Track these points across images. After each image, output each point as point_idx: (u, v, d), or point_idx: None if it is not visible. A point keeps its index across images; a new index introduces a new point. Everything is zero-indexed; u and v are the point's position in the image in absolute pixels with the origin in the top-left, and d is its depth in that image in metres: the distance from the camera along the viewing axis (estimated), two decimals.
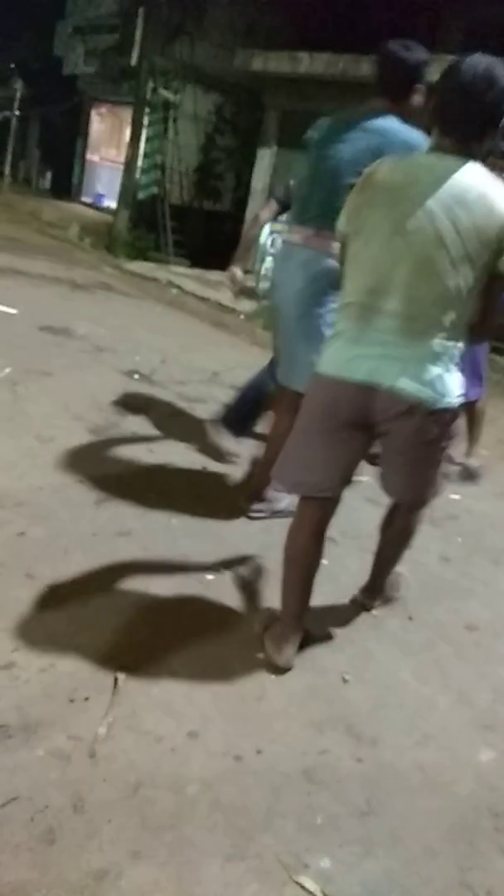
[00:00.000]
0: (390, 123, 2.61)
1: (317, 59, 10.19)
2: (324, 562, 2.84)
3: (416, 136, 2.55)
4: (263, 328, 7.33)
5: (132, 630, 2.21)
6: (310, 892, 1.49)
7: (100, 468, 3.29)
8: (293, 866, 1.55)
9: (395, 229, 1.87)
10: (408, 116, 2.66)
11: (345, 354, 1.97)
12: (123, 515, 2.90)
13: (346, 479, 2.13)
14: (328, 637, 2.39)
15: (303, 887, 1.50)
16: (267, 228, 9.05)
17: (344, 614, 2.53)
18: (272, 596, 2.54)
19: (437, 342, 1.90)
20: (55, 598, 2.30)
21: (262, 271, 9.10)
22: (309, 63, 10.31)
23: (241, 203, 12.44)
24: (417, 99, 2.71)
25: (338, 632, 2.43)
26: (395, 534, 2.48)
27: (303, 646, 2.23)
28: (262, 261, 9.13)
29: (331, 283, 2.55)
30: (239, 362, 5.74)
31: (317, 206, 2.69)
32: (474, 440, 4.10)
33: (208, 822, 1.61)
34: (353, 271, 1.99)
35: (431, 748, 1.99)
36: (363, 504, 3.50)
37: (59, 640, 2.10)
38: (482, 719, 2.15)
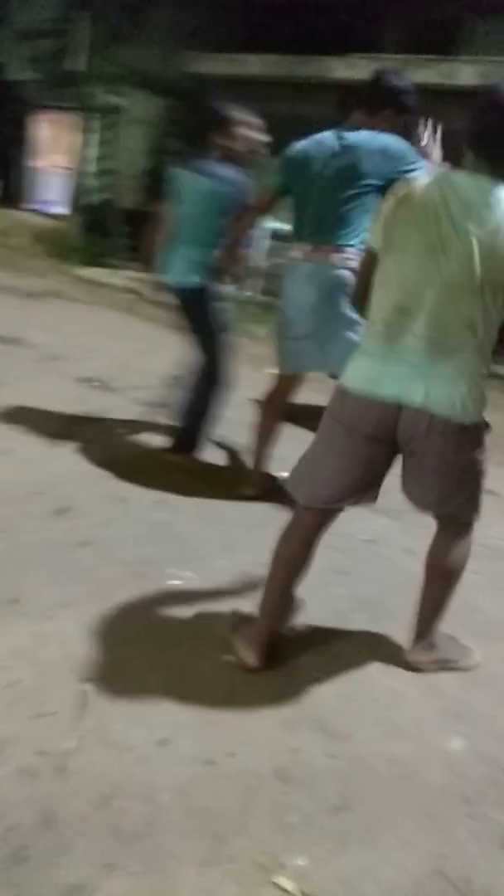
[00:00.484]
0: (363, 136, 2.88)
1: (261, 61, 10.22)
2: None
3: (389, 139, 2.87)
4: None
5: (98, 641, 2.18)
6: (287, 892, 1.49)
7: (58, 478, 3.25)
8: (270, 867, 1.55)
9: (429, 249, 1.86)
10: (379, 129, 2.92)
11: (372, 372, 1.98)
12: (84, 525, 2.86)
13: (359, 494, 2.14)
14: (297, 636, 2.39)
15: (280, 887, 1.50)
16: None
17: (311, 611, 2.53)
18: (239, 600, 2.54)
19: (465, 360, 1.91)
20: (17, 613, 2.26)
21: None
22: (253, 65, 10.34)
23: None
24: (393, 120, 2.96)
25: (305, 629, 2.43)
26: (437, 566, 2.30)
27: (274, 647, 2.23)
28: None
29: (338, 288, 2.92)
30: None
31: (311, 223, 2.99)
32: None
33: (182, 828, 1.60)
34: (381, 288, 1.99)
35: (402, 740, 2.01)
36: None
37: (23, 655, 2.06)
38: (451, 709, 2.18)
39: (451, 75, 8.28)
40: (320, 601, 2.62)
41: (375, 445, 2.02)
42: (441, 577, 2.28)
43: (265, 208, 3.33)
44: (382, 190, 2.69)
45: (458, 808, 1.81)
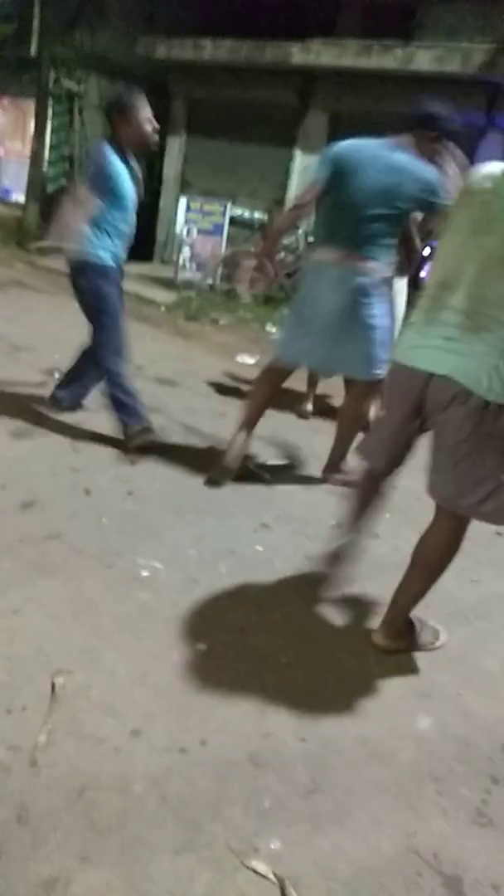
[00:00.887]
0: (412, 163, 3.02)
1: (220, 46, 10.12)
2: (258, 548, 2.87)
3: (429, 172, 2.98)
4: (186, 318, 7.30)
5: (67, 634, 2.17)
6: (262, 876, 1.51)
7: (24, 471, 3.21)
8: (244, 852, 1.56)
9: (472, 230, 1.99)
10: (423, 155, 3.05)
11: (410, 342, 2.12)
12: (52, 518, 2.84)
13: (393, 462, 2.34)
14: (268, 622, 2.40)
15: (255, 871, 1.52)
16: (182, 218, 8.99)
17: (281, 597, 2.55)
18: (209, 587, 2.55)
19: (498, 339, 1.93)
20: None
21: (181, 262, 9.04)
22: (212, 50, 10.23)
23: (154, 193, 12.28)
24: (435, 146, 3.07)
25: (275, 615, 2.45)
26: (425, 550, 2.27)
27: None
28: (180, 251, 9.07)
29: (364, 295, 3.15)
30: (162, 354, 5.70)
31: (345, 230, 3.11)
32: None
33: (156, 817, 1.61)
34: (434, 266, 2.15)
35: (371, 721, 2.04)
36: (296, 488, 3.55)
37: None
38: (418, 688, 2.22)
39: (408, 61, 8.30)
40: (288, 585, 2.64)
41: (411, 415, 2.15)
42: (429, 570, 2.28)
43: (310, 205, 3.26)
44: (407, 213, 3.21)
45: (428, 786, 1.85)
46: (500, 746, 2.02)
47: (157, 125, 3.43)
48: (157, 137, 3.50)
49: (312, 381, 4.69)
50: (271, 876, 1.51)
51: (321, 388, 4.84)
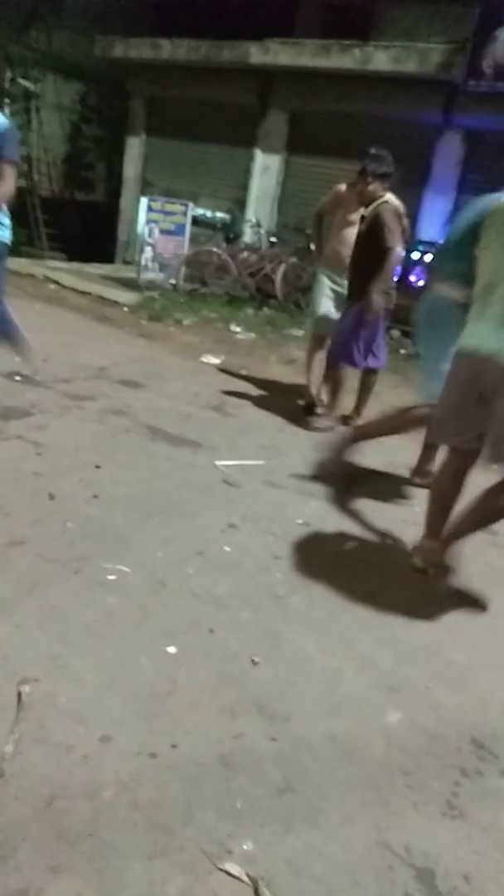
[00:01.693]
0: None
1: (178, 46, 10.08)
2: (226, 548, 2.87)
3: None
4: (149, 319, 7.25)
5: (33, 641, 2.14)
6: (235, 877, 1.51)
7: None
8: (217, 854, 1.56)
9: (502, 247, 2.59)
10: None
11: (469, 331, 2.64)
12: (15, 523, 2.79)
13: (476, 435, 2.65)
14: (235, 622, 2.40)
15: (228, 873, 1.51)
16: (143, 218, 8.93)
17: (248, 596, 2.55)
18: (177, 589, 2.53)
19: None
20: None
21: (143, 262, 8.98)
22: (170, 49, 10.19)
23: (115, 193, 12.18)
24: None
25: (243, 615, 2.45)
26: (485, 502, 2.76)
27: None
28: (142, 251, 9.00)
29: None
30: (125, 355, 5.66)
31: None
32: (364, 405, 4.68)
33: (127, 823, 1.59)
34: (478, 273, 2.69)
35: (342, 717, 2.05)
36: (262, 488, 3.55)
37: None
38: (387, 682, 2.23)
39: (366, 60, 8.37)
40: (258, 585, 2.64)
41: (471, 392, 2.61)
42: (489, 514, 2.78)
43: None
44: None
45: (398, 780, 1.86)
46: (469, 739, 2.05)
47: None
48: None
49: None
50: (245, 877, 1.51)
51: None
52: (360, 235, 4.33)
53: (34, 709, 1.88)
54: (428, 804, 1.80)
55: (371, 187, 4.35)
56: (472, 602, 2.77)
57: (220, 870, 1.52)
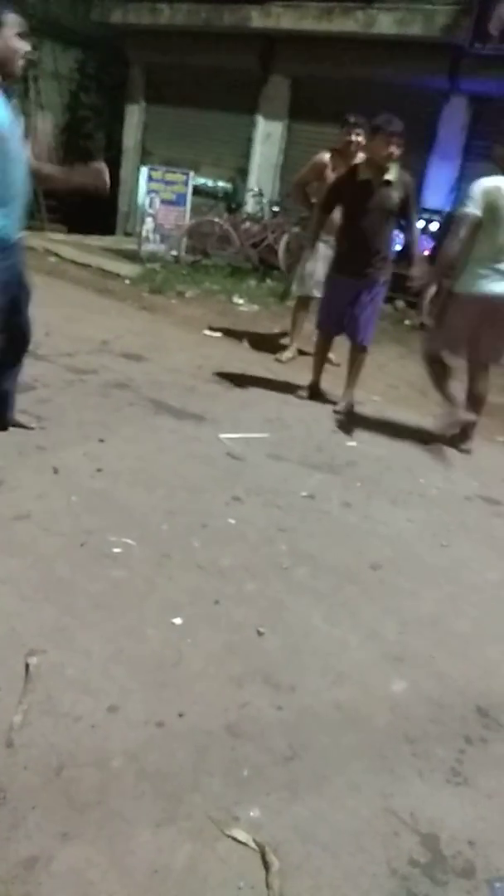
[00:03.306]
0: None
1: (177, 10, 9.86)
2: (230, 521, 2.87)
3: None
4: (151, 292, 7.19)
5: (39, 614, 2.15)
6: (242, 844, 1.53)
7: None
8: (224, 821, 1.58)
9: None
10: None
11: (485, 281, 3.74)
12: (20, 498, 2.79)
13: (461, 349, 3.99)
14: (240, 592, 2.40)
15: (235, 840, 1.53)
16: (144, 188, 8.81)
17: (253, 569, 2.56)
18: (182, 561, 2.54)
19: None
20: None
21: (144, 234, 8.88)
22: (169, 14, 9.96)
23: (114, 162, 12.00)
24: None
25: (249, 586, 2.46)
26: (481, 393, 4.09)
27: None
28: (143, 222, 8.90)
29: None
30: (128, 329, 5.62)
31: None
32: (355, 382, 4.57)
33: (135, 791, 1.61)
34: (490, 237, 3.68)
35: (347, 686, 2.07)
36: (266, 461, 3.54)
37: None
38: (392, 652, 2.24)
39: (370, 24, 8.17)
40: (263, 557, 2.65)
41: (482, 320, 3.80)
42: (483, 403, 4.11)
43: None
44: None
45: (403, 748, 1.88)
46: (473, 707, 2.06)
47: (27, 48, 2.67)
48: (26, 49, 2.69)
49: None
50: (252, 843, 1.53)
51: None
52: (371, 209, 4.10)
53: (42, 680, 1.89)
54: (433, 771, 1.82)
55: (359, 139, 4.50)
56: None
57: (228, 836, 1.54)
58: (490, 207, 3.63)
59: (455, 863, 1.57)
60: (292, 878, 1.47)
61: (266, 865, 1.48)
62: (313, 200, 4.99)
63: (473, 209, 3.65)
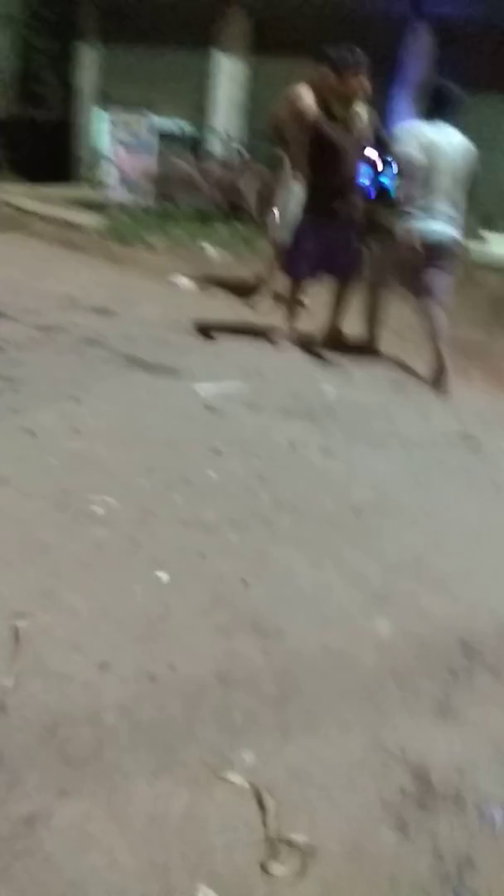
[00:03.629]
0: None
1: None
2: (211, 474, 2.87)
3: None
4: (118, 242, 7.02)
5: (24, 577, 2.15)
6: (238, 787, 1.57)
7: None
8: (219, 766, 1.61)
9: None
10: None
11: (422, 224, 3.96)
12: None
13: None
14: (223, 542, 2.42)
15: (231, 784, 1.57)
16: (104, 133, 8.51)
17: (236, 518, 2.57)
18: (165, 517, 2.54)
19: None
20: None
21: (107, 182, 8.61)
22: None
23: (70, 108, 11.55)
24: None
25: (232, 537, 2.47)
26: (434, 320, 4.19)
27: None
28: (105, 170, 8.62)
29: None
30: (96, 282, 5.50)
31: None
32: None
33: (130, 744, 1.64)
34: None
35: (333, 629, 2.10)
36: (245, 411, 3.53)
37: None
38: (376, 593, 2.28)
39: None
40: (245, 509, 2.66)
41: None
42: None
43: None
44: None
45: (391, 685, 1.92)
46: (457, 642, 2.11)
47: None
48: None
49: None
50: (247, 786, 1.57)
51: None
52: (349, 148, 4.04)
53: (31, 642, 1.90)
54: (420, 706, 1.86)
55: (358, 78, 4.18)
56: None
57: (223, 781, 1.58)
58: (419, 151, 3.83)
59: (445, 791, 1.63)
60: (288, 817, 1.51)
61: (262, 807, 1.52)
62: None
63: (413, 152, 3.83)
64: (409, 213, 3.93)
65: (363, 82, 3.86)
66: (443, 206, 3.93)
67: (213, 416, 3.40)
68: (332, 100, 3.99)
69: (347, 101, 3.91)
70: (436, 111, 3.94)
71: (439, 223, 3.95)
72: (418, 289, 4.14)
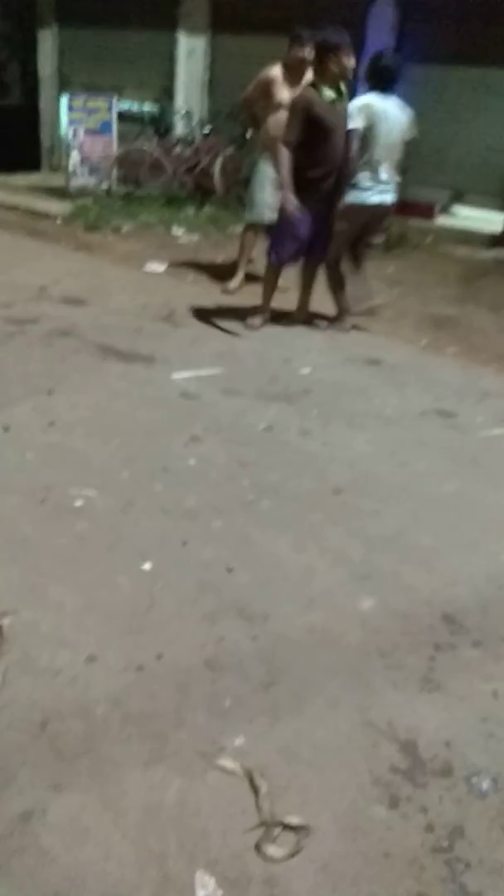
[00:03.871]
0: None
1: None
2: (191, 461, 2.87)
3: None
4: (86, 229, 6.93)
5: (6, 574, 2.14)
6: (230, 772, 1.59)
7: None
8: (211, 752, 1.63)
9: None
10: None
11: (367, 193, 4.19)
12: None
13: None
14: (206, 530, 2.42)
15: (223, 769, 1.59)
16: (65, 119, 8.36)
17: (218, 505, 2.57)
18: (147, 507, 2.54)
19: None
20: None
21: (71, 168, 8.47)
22: None
23: (32, 94, 11.32)
24: None
25: (215, 524, 2.47)
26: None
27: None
28: (69, 156, 8.47)
29: None
30: (66, 271, 5.42)
31: None
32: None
33: (122, 735, 1.65)
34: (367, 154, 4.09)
35: (318, 610, 2.12)
36: (222, 397, 3.52)
37: None
38: (359, 572, 2.30)
39: None
40: (226, 494, 2.66)
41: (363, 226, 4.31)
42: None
43: None
44: None
45: (377, 662, 1.95)
46: (440, 616, 2.14)
47: None
48: None
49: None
50: (239, 770, 1.59)
51: None
52: (340, 129, 3.93)
53: (17, 639, 1.90)
54: (406, 681, 1.89)
55: (309, 55, 4.19)
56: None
57: (216, 767, 1.59)
58: (367, 124, 3.98)
59: (433, 764, 1.66)
60: (281, 798, 1.54)
61: (255, 789, 1.55)
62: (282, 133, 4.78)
63: (359, 124, 3.95)
64: (357, 185, 4.14)
65: (352, 61, 3.86)
66: (387, 173, 4.16)
67: (190, 403, 3.39)
68: (323, 80, 3.92)
69: (335, 81, 3.90)
70: (380, 83, 4.06)
71: (386, 191, 4.22)
72: (363, 250, 4.49)
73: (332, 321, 4.63)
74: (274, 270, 4.44)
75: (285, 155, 3.94)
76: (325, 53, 3.86)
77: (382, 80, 4.05)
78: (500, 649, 2.03)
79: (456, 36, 7.31)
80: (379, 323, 4.66)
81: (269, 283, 4.50)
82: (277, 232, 4.31)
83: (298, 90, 4.47)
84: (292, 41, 4.56)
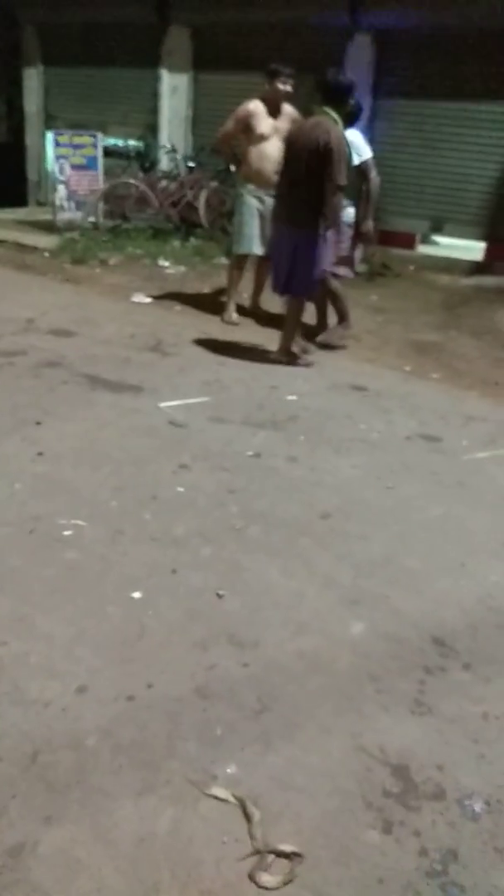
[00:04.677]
0: None
1: None
2: (179, 489, 2.88)
3: None
4: (73, 262, 7.00)
5: None
6: (223, 800, 1.58)
7: None
8: (203, 781, 1.62)
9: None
10: None
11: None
12: None
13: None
14: (197, 559, 2.43)
15: (215, 797, 1.58)
16: (52, 154, 8.48)
17: (207, 533, 2.58)
18: (136, 535, 2.54)
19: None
20: None
21: (58, 202, 8.58)
22: None
23: (18, 131, 11.49)
24: None
25: (204, 551, 2.48)
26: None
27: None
28: (55, 190, 8.59)
29: None
30: (53, 304, 5.47)
31: None
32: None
33: (113, 766, 1.64)
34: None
35: (308, 635, 2.13)
36: (209, 425, 3.54)
37: None
38: (348, 596, 2.31)
39: None
40: (215, 521, 2.67)
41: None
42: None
43: None
44: None
45: (367, 686, 1.95)
46: (430, 639, 2.15)
47: None
48: None
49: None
50: (231, 798, 1.58)
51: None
52: (305, 158, 4.01)
53: (6, 671, 1.89)
54: (397, 705, 1.90)
55: (288, 88, 4.67)
56: None
57: (208, 795, 1.59)
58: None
59: (426, 788, 1.66)
60: (274, 826, 1.53)
61: (248, 817, 1.54)
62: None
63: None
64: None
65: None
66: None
67: (178, 432, 3.41)
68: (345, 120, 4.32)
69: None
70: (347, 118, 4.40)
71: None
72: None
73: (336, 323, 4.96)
74: (302, 303, 4.50)
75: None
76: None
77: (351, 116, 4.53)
78: (489, 671, 2.04)
79: (433, 71, 7.53)
80: (363, 350, 4.72)
81: (298, 316, 4.54)
82: (313, 271, 4.30)
83: (281, 121, 4.63)
84: (270, 75, 4.72)
